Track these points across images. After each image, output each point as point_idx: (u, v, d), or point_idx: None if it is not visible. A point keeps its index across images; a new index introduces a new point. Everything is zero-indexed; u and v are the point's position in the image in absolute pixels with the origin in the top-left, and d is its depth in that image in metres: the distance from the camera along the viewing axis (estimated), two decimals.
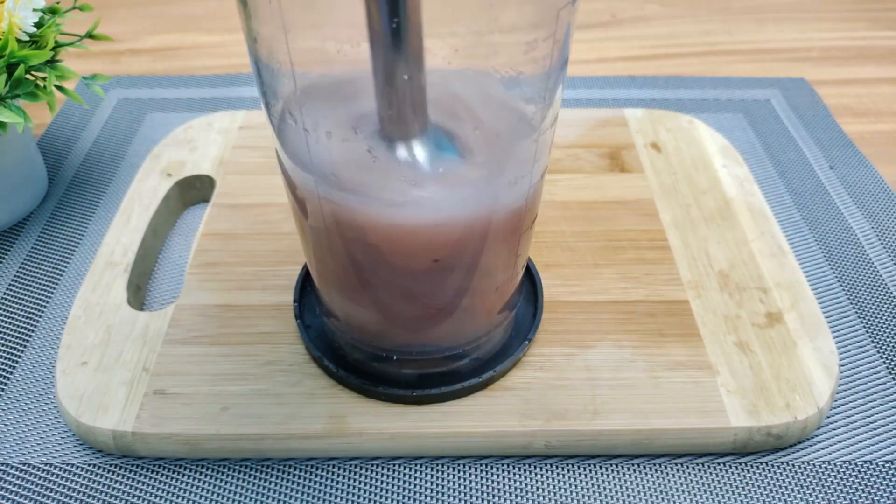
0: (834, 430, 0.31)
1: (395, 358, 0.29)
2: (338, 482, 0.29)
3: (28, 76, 0.35)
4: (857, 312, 0.36)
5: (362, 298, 0.27)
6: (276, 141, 0.24)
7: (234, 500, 0.29)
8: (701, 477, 0.29)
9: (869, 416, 0.31)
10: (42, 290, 0.37)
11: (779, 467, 0.30)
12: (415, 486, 0.29)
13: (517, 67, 0.21)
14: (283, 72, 0.20)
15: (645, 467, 0.30)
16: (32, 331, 0.35)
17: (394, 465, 0.30)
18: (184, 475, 0.29)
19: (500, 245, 0.26)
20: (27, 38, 0.36)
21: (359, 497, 0.29)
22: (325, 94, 0.22)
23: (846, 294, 0.37)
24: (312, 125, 0.22)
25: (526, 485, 0.29)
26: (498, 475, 0.29)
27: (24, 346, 0.34)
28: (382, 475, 0.29)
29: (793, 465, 0.30)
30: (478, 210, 0.23)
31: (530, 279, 0.34)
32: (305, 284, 0.34)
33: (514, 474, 0.29)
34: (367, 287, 0.26)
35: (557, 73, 0.22)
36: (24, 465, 0.30)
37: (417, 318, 0.28)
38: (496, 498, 0.29)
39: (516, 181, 0.24)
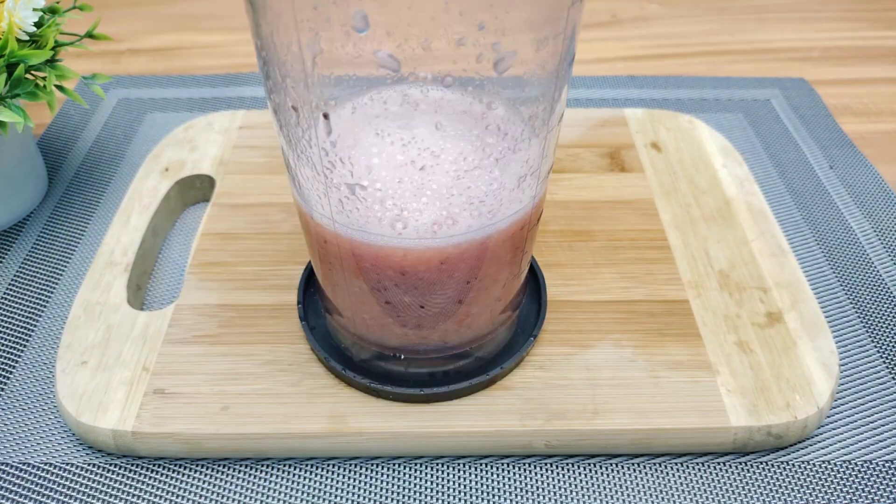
0: (834, 429, 0.31)
1: (401, 357, 0.30)
2: (338, 481, 0.29)
3: (28, 76, 0.35)
4: (857, 312, 0.36)
5: (368, 299, 0.27)
6: (283, 140, 0.24)
7: (234, 500, 0.29)
8: (701, 476, 0.29)
9: (869, 416, 0.31)
10: (42, 289, 0.37)
11: (779, 467, 0.30)
12: (415, 485, 0.29)
13: (527, 65, 0.21)
14: (294, 71, 0.20)
15: (645, 467, 0.30)
16: (32, 330, 0.35)
17: (394, 464, 0.30)
18: (184, 475, 0.29)
19: (507, 242, 0.26)
20: (27, 38, 0.36)
21: (359, 496, 0.29)
22: (335, 92, 0.22)
23: (846, 294, 0.37)
24: (322, 124, 0.22)
25: (526, 484, 0.29)
26: (498, 475, 0.29)
27: (24, 346, 0.34)
28: (383, 474, 0.29)
29: (793, 465, 0.30)
30: (487, 207, 0.24)
31: (533, 276, 0.34)
32: (308, 285, 0.34)
33: (515, 474, 0.29)
34: (373, 288, 0.26)
35: (565, 70, 0.22)
36: (24, 464, 0.30)
37: (424, 318, 0.28)
38: (496, 497, 0.29)
39: (525, 178, 0.24)
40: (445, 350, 0.30)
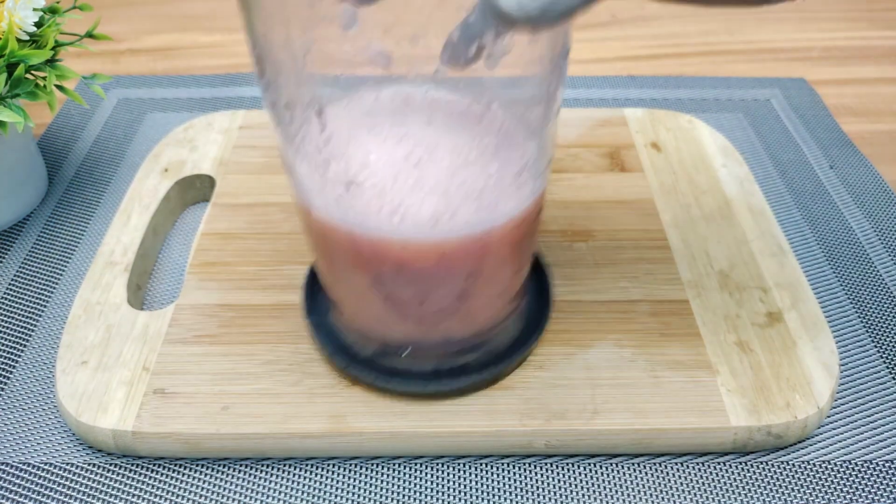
0: (834, 429, 0.31)
1: (403, 354, 0.29)
2: (338, 481, 0.29)
3: (28, 76, 0.35)
4: (857, 312, 0.36)
5: (368, 294, 0.27)
6: (279, 136, 0.24)
7: (234, 500, 0.29)
8: (701, 476, 0.29)
9: (869, 416, 0.31)
10: (42, 289, 0.37)
11: (779, 467, 0.30)
12: (415, 485, 0.29)
13: (521, 59, 0.21)
14: (287, 69, 0.20)
15: (645, 467, 0.30)
16: (32, 330, 0.35)
17: (394, 464, 0.30)
18: (184, 475, 0.29)
19: (505, 237, 0.26)
20: (27, 38, 0.36)
21: (359, 496, 0.29)
22: (328, 89, 0.22)
23: (846, 294, 0.37)
24: (316, 121, 0.22)
25: (526, 484, 0.29)
26: (498, 474, 0.29)
27: (24, 346, 0.34)
28: (383, 474, 0.29)
29: (793, 465, 0.30)
30: (485, 202, 0.24)
31: (538, 275, 0.34)
32: (313, 282, 0.34)
33: (515, 474, 0.29)
34: (373, 283, 0.26)
35: (560, 63, 0.22)
36: (24, 464, 0.30)
37: (424, 313, 0.28)
38: (496, 497, 0.29)
39: (522, 173, 0.24)
40: (450, 346, 0.29)
